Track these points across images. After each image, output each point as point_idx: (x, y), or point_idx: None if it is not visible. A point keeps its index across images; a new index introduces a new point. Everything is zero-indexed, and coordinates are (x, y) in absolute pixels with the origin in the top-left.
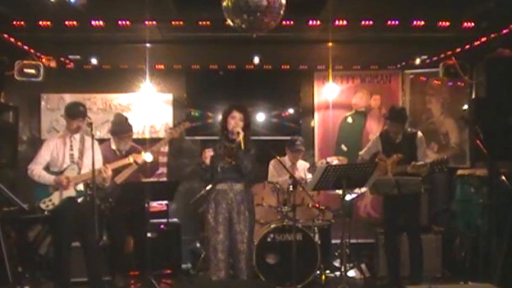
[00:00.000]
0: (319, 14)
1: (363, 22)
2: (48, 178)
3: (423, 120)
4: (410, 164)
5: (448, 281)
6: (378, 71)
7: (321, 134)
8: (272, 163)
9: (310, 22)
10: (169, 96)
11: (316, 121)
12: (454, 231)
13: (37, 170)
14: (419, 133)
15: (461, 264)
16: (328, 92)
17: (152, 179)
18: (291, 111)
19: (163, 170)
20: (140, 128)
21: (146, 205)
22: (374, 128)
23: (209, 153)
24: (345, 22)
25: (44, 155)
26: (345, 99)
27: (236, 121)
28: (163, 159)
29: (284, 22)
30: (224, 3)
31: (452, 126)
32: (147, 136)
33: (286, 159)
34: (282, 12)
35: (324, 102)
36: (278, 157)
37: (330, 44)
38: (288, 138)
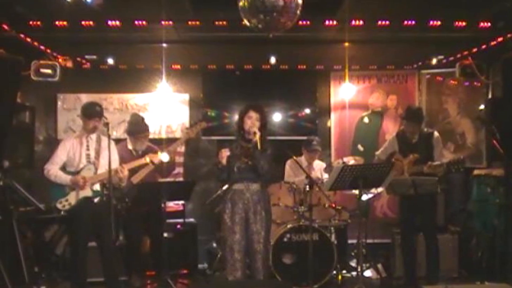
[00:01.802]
0: (335, 14)
1: (379, 22)
2: (65, 178)
3: (439, 120)
4: (427, 164)
5: (464, 281)
6: (395, 71)
7: (338, 134)
8: (288, 163)
9: (327, 22)
10: (186, 96)
11: (333, 121)
12: (470, 231)
13: (53, 170)
14: (436, 133)
15: (477, 264)
16: (345, 92)
17: (168, 179)
18: (307, 111)
19: (179, 170)
20: (156, 128)
21: (163, 205)
22: (390, 128)
23: (225, 153)
24: (361, 22)
25: (61, 155)
26: (362, 99)
27: (252, 121)
28: (179, 159)
29: (300, 22)
30: (241, 3)
31: (468, 126)
32: (163, 136)
33: (302, 159)
34: (298, 12)
35: (340, 102)
36: (294, 157)
37: (346, 44)
38: (304, 138)
